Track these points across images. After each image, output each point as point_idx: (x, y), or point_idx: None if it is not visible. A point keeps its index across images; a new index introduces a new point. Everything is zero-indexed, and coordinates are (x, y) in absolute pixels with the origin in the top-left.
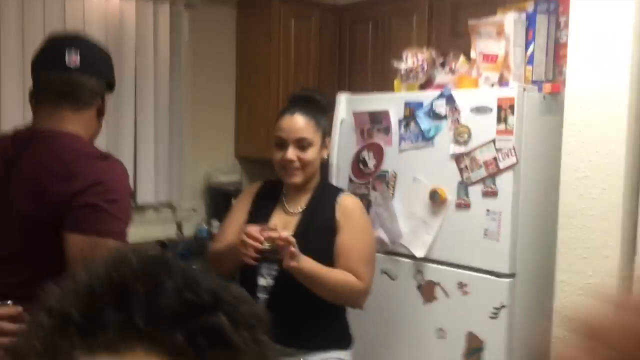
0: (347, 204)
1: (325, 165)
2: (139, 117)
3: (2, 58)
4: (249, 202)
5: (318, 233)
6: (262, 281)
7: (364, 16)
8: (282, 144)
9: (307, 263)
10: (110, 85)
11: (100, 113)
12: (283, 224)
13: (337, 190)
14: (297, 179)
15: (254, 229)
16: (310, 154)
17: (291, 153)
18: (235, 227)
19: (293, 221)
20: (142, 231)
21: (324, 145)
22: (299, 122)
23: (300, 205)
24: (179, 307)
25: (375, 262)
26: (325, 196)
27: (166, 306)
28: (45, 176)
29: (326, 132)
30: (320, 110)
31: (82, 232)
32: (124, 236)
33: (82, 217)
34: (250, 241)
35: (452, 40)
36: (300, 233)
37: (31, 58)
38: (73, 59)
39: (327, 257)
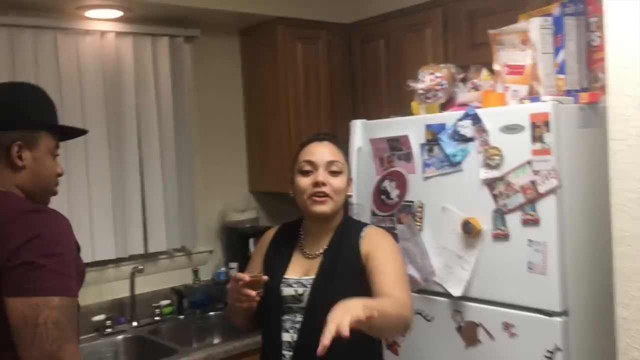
0: (372, 234)
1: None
2: (145, 160)
3: None
4: (264, 250)
5: (343, 271)
6: (287, 336)
7: (375, 33)
8: (310, 170)
9: (362, 300)
10: (27, 126)
11: (12, 164)
12: (303, 269)
13: (361, 225)
14: (327, 207)
15: (240, 274)
16: (341, 182)
17: (322, 175)
18: None
19: (314, 265)
20: (155, 280)
21: (348, 183)
22: (329, 147)
23: (320, 247)
24: None
25: None
26: (348, 234)
27: None
28: None
29: (349, 172)
30: (343, 148)
31: (21, 294)
32: (72, 292)
33: (18, 277)
34: (241, 289)
35: (471, 53)
36: (323, 276)
37: None
38: None
39: (356, 296)
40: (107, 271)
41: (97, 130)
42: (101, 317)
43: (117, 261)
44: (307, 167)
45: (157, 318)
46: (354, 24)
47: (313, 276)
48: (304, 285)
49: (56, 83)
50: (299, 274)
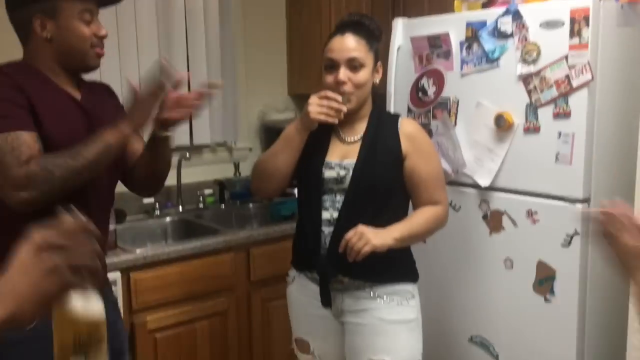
0: (410, 130)
1: (382, 96)
2: (191, 59)
3: None
4: None
5: (382, 158)
6: (326, 214)
7: None
8: (333, 66)
9: (395, 233)
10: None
11: (40, 38)
12: (342, 153)
13: (394, 116)
14: (350, 103)
15: (331, 93)
16: (363, 75)
17: (343, 74)
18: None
19: (353, 149)
20: (199, 171)
21: (375, 69)
22: (350, 42)
23: (357, 133)
24: None
25: None
26: (383, 122)
27: None
28: None
29: (377, 56)
30: (370, 33)
31: None
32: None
33: None
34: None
35: None
36: (364, 160)
37: None
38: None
39: (394, 181)
40: None
41: (148, 27)
42: (151, 200)
43: None
44: (330, 64)
45: (200, 205)
46: None
47: (353, 160)
48: (345, 168)
49: None
50: (339, 158)
